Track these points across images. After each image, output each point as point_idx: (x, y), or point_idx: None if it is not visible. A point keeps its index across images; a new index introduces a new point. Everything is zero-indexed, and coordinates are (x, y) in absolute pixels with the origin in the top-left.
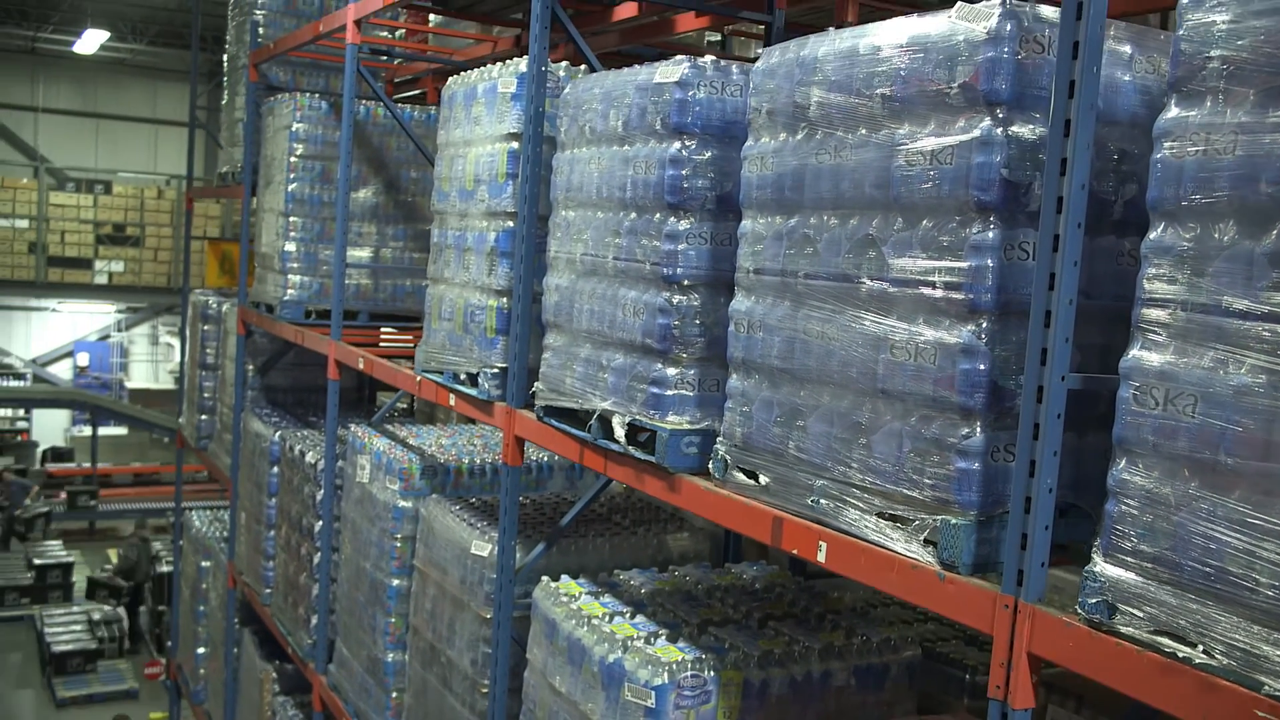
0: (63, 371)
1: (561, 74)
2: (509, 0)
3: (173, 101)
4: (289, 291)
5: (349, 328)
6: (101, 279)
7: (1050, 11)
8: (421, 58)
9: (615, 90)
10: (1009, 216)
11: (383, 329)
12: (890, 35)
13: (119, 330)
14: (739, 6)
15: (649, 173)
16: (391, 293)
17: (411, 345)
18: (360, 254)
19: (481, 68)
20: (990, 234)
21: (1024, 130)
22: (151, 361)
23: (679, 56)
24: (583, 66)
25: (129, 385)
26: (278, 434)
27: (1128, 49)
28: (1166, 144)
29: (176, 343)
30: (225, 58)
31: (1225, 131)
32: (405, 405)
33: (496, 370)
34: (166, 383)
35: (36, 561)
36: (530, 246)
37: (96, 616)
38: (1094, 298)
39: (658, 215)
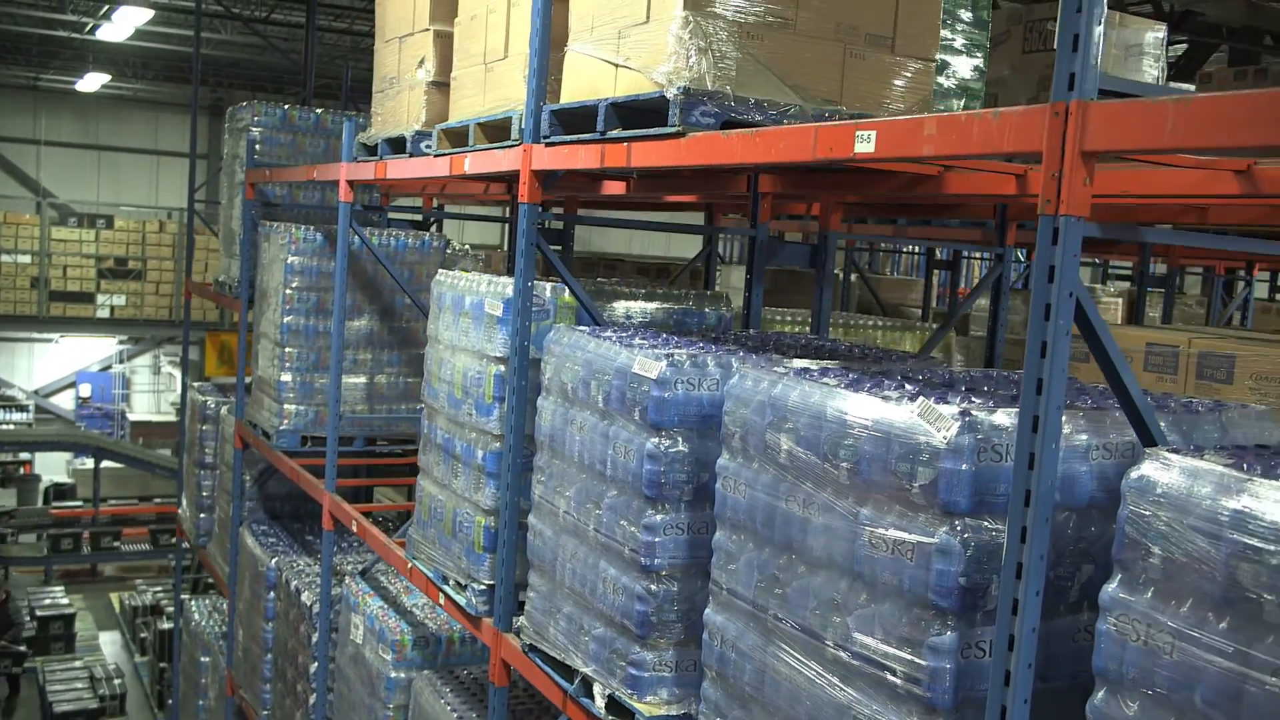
0: (65, 402)
1: (548, 295)
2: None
3: (174, 133)
4: (285, 422)
5: (344, 454)
6: (103, 313)
7: (1007, 420)
8: (409, 213)
9: (596, 362)
10: (968, 619)
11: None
12: (857, 409)
13: (120, 361)
14: (727, 210)
15: (628, 458)
16: (387, 417)
17: (408, 471)
18: (356, 380)
19: (470, 277)
20: (948, 636)
21: (983, 536)
22: (153, 392)
23: (658, 352)
24: (568, 291)
25: (131, 417)
26: (274, 561)
27: (1084, 438)
28: (1111, 617)
29: (178, 373)
30: (221, 164)
31: (1164, 630)
32: None
33: (484, 587)
34: (168, 413)
35: (39, 612)
36: (517, 471)
37: (98, 673)
38: (1049, 680)
39: (636, 503)
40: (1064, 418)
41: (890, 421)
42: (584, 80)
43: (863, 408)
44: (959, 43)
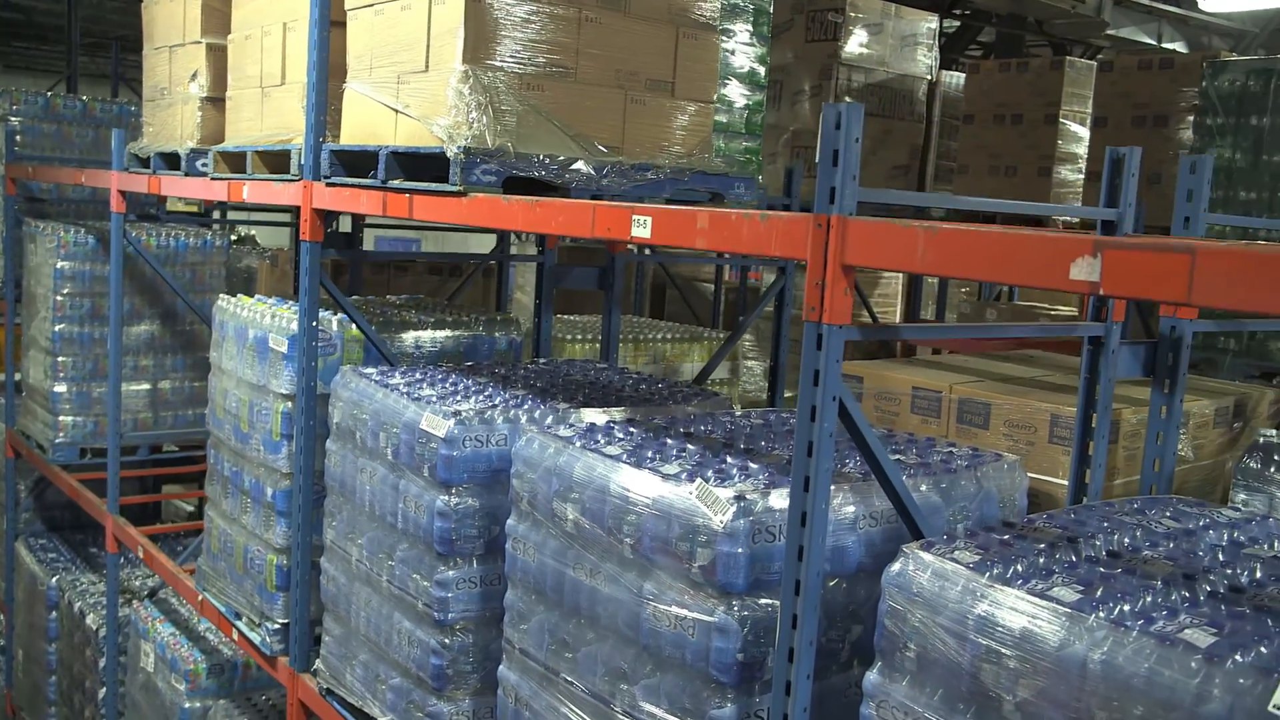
0: None
1: (334, 329)
2: None
3: None
4: (61, 435)
5: (128, 464)
6: None
7: (780, 501)
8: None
9: (384, 414)
10: (746, 689)
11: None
12: (639, 486)
13: None
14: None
15: (418, 513)
16: (173, 423)
17: (198, 477)
18: (138, 388)
19: (253, 307)
20: (728, 708)
21: (759, 613)
22: None
23: (446, 409)
24: (348, 320)
25: None
26: (55, 579)
27: (852, 509)
28: (873, 703)
29: None
30: None
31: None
32: None
33: (279, 626)
34: None
35: None
36: (308, 510)
37: None
38: None
39: (428, 558)
40: (832, 489)
41: (670, 502)
42: (365, 120)
43: (644, 485)
44: (739, 63)
